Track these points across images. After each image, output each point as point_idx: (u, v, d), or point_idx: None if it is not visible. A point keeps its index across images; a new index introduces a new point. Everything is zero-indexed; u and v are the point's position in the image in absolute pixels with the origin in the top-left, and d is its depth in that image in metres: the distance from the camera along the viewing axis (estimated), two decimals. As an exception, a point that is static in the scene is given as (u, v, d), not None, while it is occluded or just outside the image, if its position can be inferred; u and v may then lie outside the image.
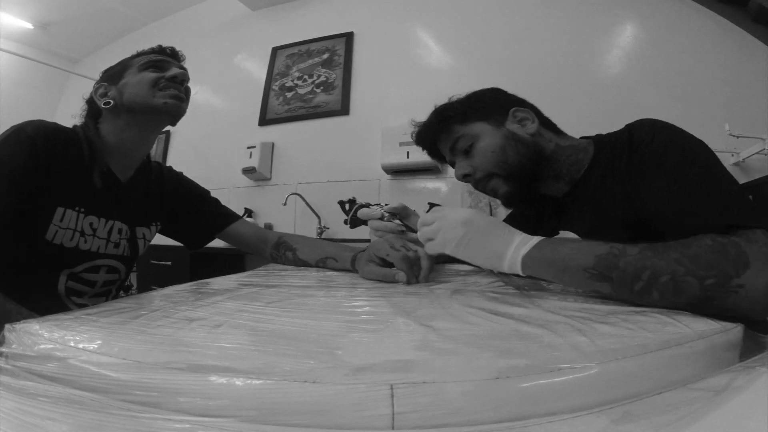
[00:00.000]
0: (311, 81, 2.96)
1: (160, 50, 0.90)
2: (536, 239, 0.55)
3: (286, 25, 3.20)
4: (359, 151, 2.68)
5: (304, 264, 0.96)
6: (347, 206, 1.01)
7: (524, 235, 0.57)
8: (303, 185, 2.79)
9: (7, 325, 0.38)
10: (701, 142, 0.62)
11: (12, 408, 0.26)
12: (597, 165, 0.73)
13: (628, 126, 0.70)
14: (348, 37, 2.93)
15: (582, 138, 0.81)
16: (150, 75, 0.85)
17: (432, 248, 0.63)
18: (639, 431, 0.24)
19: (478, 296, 0.54)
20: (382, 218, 0.94)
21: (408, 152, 2.38)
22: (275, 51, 3.16)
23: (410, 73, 2.69)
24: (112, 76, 0.86)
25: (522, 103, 0.80)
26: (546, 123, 0.80)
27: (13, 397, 0.28)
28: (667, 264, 0.47)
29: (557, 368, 0.27)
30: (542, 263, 0.54)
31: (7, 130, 0.74)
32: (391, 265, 0.71)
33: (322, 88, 2.91)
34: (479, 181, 0.79)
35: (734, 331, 0.38)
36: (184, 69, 0.90)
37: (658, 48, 2.20)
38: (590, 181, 0.73)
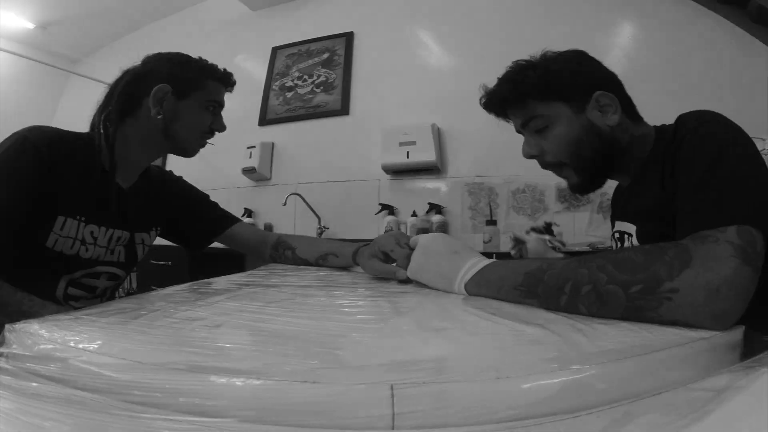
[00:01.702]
0: (311, 81, 2.96)
1: (226, 78, 0.89)
2: (484, 263, 0.55)
3: (286, 25, 3.20)
4: (359, 151, 2.68)
5: (303, 262, 0.96)
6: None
7: (477, 259, 0.57)
8: (303, 185, 2.79)
9: (7, 326, 0.38)
10: (744, 137, 0.58)
11: (12, 408, 0.26)
12: (655, 158, 0.69)
13: (678, 117, 0.66)
14: (348, 37, 2.93)
15: (650, 126, 0.76)
16: (206, 120, 0.86)
17: (409, 275, 0.65)
18: (639, 431, 0.24)
19: (477, 298, 0.54)
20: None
21: (408, 152, 2.38)
22: (275, 51, 3.16)
23: (410, 73, 2.69)
24: (180, 86, 0.82)
25: (606, 81, 0.73)
26: (627, 107, 0.73)
27: (14, 397, 0.28)
28: (589, 272, 0.43)
29: (557, 368, 0.27)
30: (482, 286, 0.54)
31: (10, 137, 0.73)
32: (394, 261, 0.71)
33: (322, 88, 2.91)
34: (547, 165, 0.76)
35: (735, 331, 0.38)
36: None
37: (658, 48, 2.20)
38: (648, 175, 0.69)
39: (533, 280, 0.48)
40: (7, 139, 0.73)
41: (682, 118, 0.65)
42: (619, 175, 0.77)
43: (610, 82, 0.73)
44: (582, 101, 0.70)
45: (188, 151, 0.88)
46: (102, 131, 0.81)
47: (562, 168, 0.74)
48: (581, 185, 0.75)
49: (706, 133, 0.58)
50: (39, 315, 0.44)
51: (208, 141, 0.91)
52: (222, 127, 0.91)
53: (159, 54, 0.86)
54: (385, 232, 2.41)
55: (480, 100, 0.79)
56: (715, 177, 0.52)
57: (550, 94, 0.71)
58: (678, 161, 0.58)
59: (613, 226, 0.85)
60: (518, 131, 0.78)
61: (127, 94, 0.81)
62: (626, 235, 0.75)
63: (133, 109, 0.81)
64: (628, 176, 0.76)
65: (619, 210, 0.82)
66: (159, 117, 0.81)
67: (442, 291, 0.58)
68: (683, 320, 0.38)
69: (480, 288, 0.54)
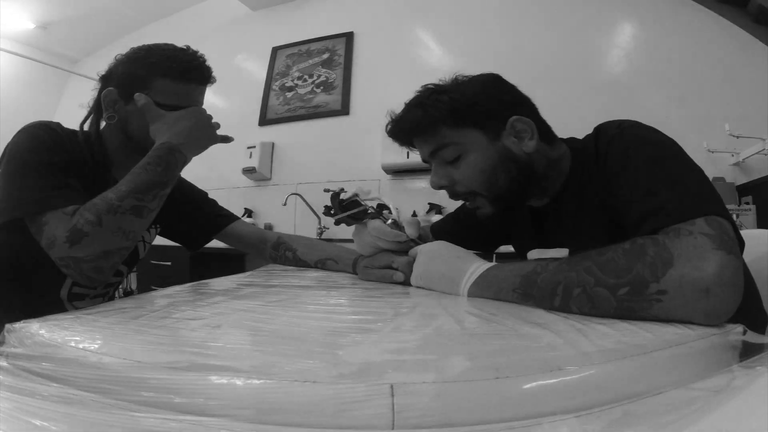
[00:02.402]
0: (311, 81, 2.96)
1: (182, 72, 0.77)
2: (487, 266, 0.55)
3: (286, 25, 3.20)
4: (359, 151, 2.68)
5: (303, 264, 0.96)
6: (343, 198, 0.81)
7: (480, 262, 0.57)
8: (303, 185, 2.79)
9: (7, 326, 0.38)
10: (669, 139, 0.58)
11: (12, 408, 0.26)
12: (574, 174, 0.68)
13: (595, 128, 0.66)
14: (348, 37, 2.94)
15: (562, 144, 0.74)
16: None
17: (413, 282, 0.66)
18: (639, 431, 0.24)
19: (477, 298, 0.54)
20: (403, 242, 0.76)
21: (408, 152, 2.38)
22: (275, 51, 3.16)
23: (410, 73, 2.69)
24: (126, 89, 0.76)
25: (522, 105, 0.70)
26: (543, 131, 0.70)
27: (13, 397, 0.28)
28: (578, 275, 0.43)
29: (557, 368, 0.27)
30: (483, 288, 0.54)
31: (18, 134, 0.72)
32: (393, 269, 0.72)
33: (322, 88, 2.92)
34: (458, 195, 0.71)
35: (734, 331, 0.38)
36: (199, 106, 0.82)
37: (658, 48, 2.20)
38: (570, 192, 0.68)
39: (528, 283, 0.48)
40: (14, 137, 0.73)
41: (602, 128, 0.64)
42: (536, 200, 0.74)
43: (526, 107, 0.70)
44: (497, 128, 0.67)
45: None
46: (90, 132, 0.80)
47: (475, 197, 0.70)
48: (492, 214, 0.71)
49: (634, 136, 0.58)
50: None
51: None
52: None
53: (128, 51, 0.80)
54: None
55: (386, 127, 0.76)
56: (662, 175, 0.51)
57: (464, 120, 0.66)
58: (611, 169, 0.58)
59: (523, 254, 0.79)
60: (425, 160, 0.74)
61: (98, 97, 0.80)
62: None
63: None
64: (546, 197, 0.72)
65: (531, 237, 0.77)
66: (113, 120, 0.77)
67: (445, 293, 0.58)
68: (677, 319, 0.38)
69: (481, 290, 0.54)
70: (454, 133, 0.67)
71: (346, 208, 0.79)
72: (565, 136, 0.77)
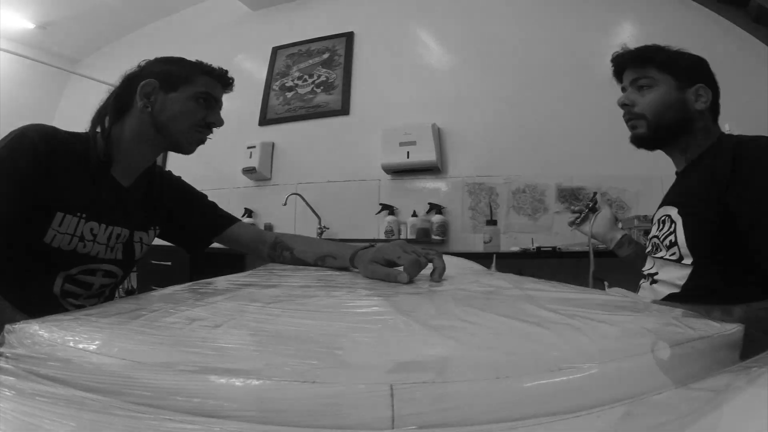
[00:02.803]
0: (311, 81, 2.96)
1: (220, 75, 0.90)
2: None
3: (286, 25, 3.20)
4: (359, 151, 2.68)
5: (302, 263, 0.96)
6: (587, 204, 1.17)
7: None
8: (303, 185, 2.79)
9: (7, 326, 0.38)
10: None
11: (12, 408, 0.26)
12: (709, 155, 0.85)
13: (738, 136, 0.84)
14: (348, 37, 2.94)
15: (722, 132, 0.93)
16: (197, 113, 0.86)
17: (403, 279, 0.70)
18: (639, 431, 0.24)
19: (478, 296, 0.54)
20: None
21: (408, 152, 2.38)
22: (275, 51, 3.16)
23: (410, 73, 2.69)
24: (169, 80, 0.84)
25: (711, 83, 0.91)
26: (714, 107, 0.91)
27: (13, 397, 0.28)
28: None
29: (557, 368, 0.27)
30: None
31: (9, 135, 0.73)
32: (396, 267, 0.71)
33: (322, 88, 2.92)
34: (631, 115, 0.92)
35: (734, 331, 0.38)
36: (221, 106, 0.93)
37: (658, 48, 2.20)
38: (699, 166, 0.86)
39: None
40: (5, 136, 0.73)
41: (742, 139, 0.81)
42: (677, 155, 0.93)
43: (713, 86, 0.91)
44: (687, 84, 0.88)
45: (182, 145, 0.88)
46: (99, 130, 0.83)
47: (639, 119, 0.91)
48: (646, 138, 0.91)
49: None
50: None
51: (207, 137, 0.91)
52: (219, 122, 0.90)
53: (157, 58, 0.89)
54: (385, 232, 2.41)
55: (612, 54, 0.98)
56: None
57: (669, 67, 0.89)
58: (744, 164, 0.74)
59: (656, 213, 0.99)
60: (623, 87, 0.96)
61: (121, 94, 0.84)
62: (666, 218, 0.88)
63: (128, 107, 0.84)
64: (683, 159, 0.92)
65: (666, 196, 0.96)
66: (147, 110, 0.83)
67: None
68: None
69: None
70: (656, 72, 0.90)
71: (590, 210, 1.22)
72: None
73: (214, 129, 0.91)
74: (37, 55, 3.44)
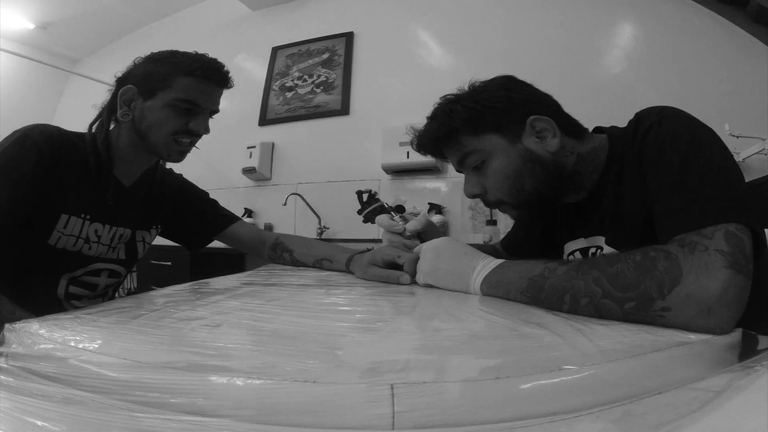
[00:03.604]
0: (311, 81, 2.96)
1: (206, 75, 0.80)
2: (494, 264, 0.56)
3: (286, 25, 3.20)
4: (359, 151, 2.68)
5: (302, 264, 0.96)
6: (364, 197, 0.94)
7: (487, 259, 0.58)
8: (303, 185, 2.79)
9: (7, 325, 0.38)
10: (709, 131, 0.56)
11: (12, 408, 0.26)
12: (612, 164, 0.66)
13: (636, 114, 0.64)
14: (348, 37, 2.93)
15: (597, 130, 0.73)
16: (175, 122, 0.79)
17: (418, 279, 0.66)
18: (639, 431, 0.24)
19: (478, 296, 0.54)
20: (402, 233, 0.84)
21: (408, 152, 2.38)
22: (275, 51, 3.16)
23: (410, 73, 2.69)
24: (147, 86, 0.79)
25: (540, 104, 0.68)
26: (567, 128, 0.68)
27: (13, 397, 0.28)
28: (585, 285, 0.44)
29: (557, 368, 0.27)
30: (493, 287, 0.54)
31: (11, 135, 0.73)
32: (396, 267, 0.71)
33: (322, 88, 2.92)
34: (490, 204, 0.71)
35: (734, 331, 0.38)
36: (216, 109, 0.85)
37: (658, 48, 2.20)
38: (608, 182, 0.66)
39: (536, 287, 0.48)
40: (8, 137, 0.73)
41: (641, 115, 0.62)
42: (573, 196, 0.71)
43: (546, 105, 0.69)
44: (516, 129, 0.66)
45: (162, 154, 0.83)
46: (97, 132, 0.82)
47: (501, 205, 0.70)
48: (525, 217, 0.74)
49: (670, 128, 0.56)
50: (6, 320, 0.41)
51: (193, 146, 0.85)
52: (203, 129, 0.83)
53: (148, 54, 0.83)
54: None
55: (411, 142, 0.76)
56: (691, 173, 0.50)
57: (481, 126, 0.66)
58: (646, 159, 0.57)
59: (561, 248, 0.79)
60: (458, 170, 0.74)
61: (113, 98, 0.82)
62: (594, 249, 0.71)
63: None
64: (584, 191, 0.70)
65: (570, 230, 0.76)
66: (128, 118, 0.80)
67: (453, 291, 0.59)
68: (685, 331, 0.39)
69: (492, 289, 0.54)
70: (474, 140, 0.67)
71: (367, 204, 0.92)
72: None
73: (212, 131, 0.86)
74: (37, 55, 3.44)
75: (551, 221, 0.82)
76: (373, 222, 0.90)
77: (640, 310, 0.40)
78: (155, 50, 0.85)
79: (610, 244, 0.66)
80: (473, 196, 0.71)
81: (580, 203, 0.72)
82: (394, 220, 0.85)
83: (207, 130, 0.84)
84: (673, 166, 0.52)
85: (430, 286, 0.62)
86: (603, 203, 0.67)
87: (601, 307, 0.42)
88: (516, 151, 0.65)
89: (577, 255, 0.74)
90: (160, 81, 0.78)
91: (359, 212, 0.93)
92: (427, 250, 0.64)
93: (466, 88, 0.71)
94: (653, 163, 0.55)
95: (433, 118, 0.71)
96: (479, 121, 0.66)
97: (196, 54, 0.82)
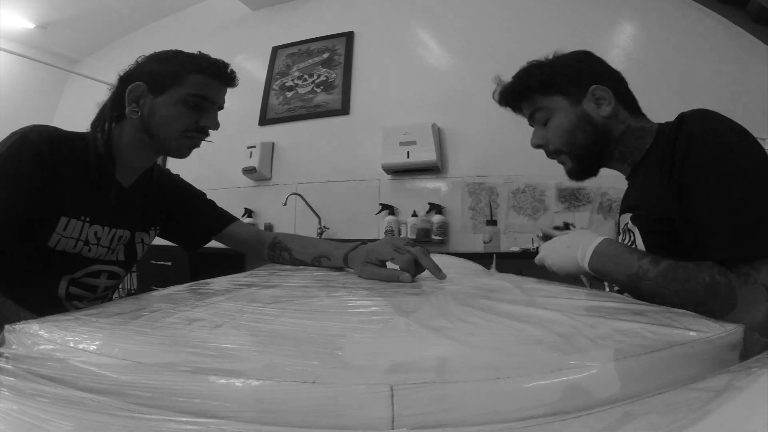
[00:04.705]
0: (311, 81, 2.96)
1: (215, 73, 0.82)
2: (597, 241, 0.68)
3: (286, 24, 3.20)
4: (359, 151, 2.68)
5: (300, 263, 0.96)
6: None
7: (589, 238, 0.69)
8: (303, 185, 2.79)
9: (7, 326, 0.38)
10: (753, 147, 0.63)
11: (12, 408, 0.26)
12: (653, 151, 0.75)
13: (679, 115, 0.69)
14: (348, 37, 2.93)
15: (655, 122, 0.80)
16: (187, 117, 0.80)
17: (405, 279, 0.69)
18: (639, 431, 0.24)
19: (478, 296, 0.54)
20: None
21: (408, 152, 2.38)
22: (275, 51, 3.16)
23: (410, 73, 2.69)
24: (157, 83, 0.79)
25: (605, 76, 0.79)
26: (625, 100, 0.79)
27: (13, 397, 0.28)
28: (669, 294, 0.56)
29: (557, 368, 0.27)
30: (598, 273, 0.67)
31: (10, 137, 0.73)
32: (393, 266, 0.71)
33: (322, 87, 2.92)
34: (550, 153, 0.83)
35: (735, 331, 0.38)
36: (222, 106, 0.86)
37: (658, 48, 2.20)
38: (644, 166, 0.76)
39: (634, 285, 0.62)
40: (6, 138, 0.73)
41: (685, 117, 0.68)
42: (618, 165, 0.82)
43: (610, 78, 0.80)
44: (579, 94, 0.78)
45: (171, 150, 0.83)
46: (99, 132, 0.81)
47: (560, 155, 0.82)
48: (576, 170, 0.82)
49: (717, 144, 0.62)
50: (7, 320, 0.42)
51: (204, 140, 0.86)
52: (213, 125, 0.84)
53: (152, 54, 0.84)
54: (385, 232, 2.41)
55: (493, 94, 0.88)
56: (741, 194, 0.57)
57: (551, 88, 0.79)
58: (687, 166, 0.62)
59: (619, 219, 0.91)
60: (530, 124, 0.86)
61: (117, 96, 0.81)
62: (625, 227, 0.80)
63: (124, 110, 0.81)
64: (627, 165, 0.80)
65: (623, 203, 0.88)
66: (136, 115, 0.79)
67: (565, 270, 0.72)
68: None
69: (598, 267, 0.67)
70: (544, 99, 0.80)
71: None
72: None
73: (211, 132, 0.86)
74: (37, 55, 3.44)
75: None
76: None
77: None
78: (155, 50, 0.85)
79: (633, 221, 0.76)
80: (537, 146, 0.85)
81: (627, 179, 0.83)
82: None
83: (217, 126, 0.86)
84: (716, 181, 0.60)
85: (429, 286, 0.62)
86: (636, 182, 0.79)
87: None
88: (575, 112, 0.78)
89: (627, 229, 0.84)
90: (172, 78, 0.79)
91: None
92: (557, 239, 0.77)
93: (551, 57, 0.84)
94: (698, 180, 0.61)
95: (515, 77, 0.85)
96: (550, 84, 0.79)
97: (201, 53, 0.83)
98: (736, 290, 0.53)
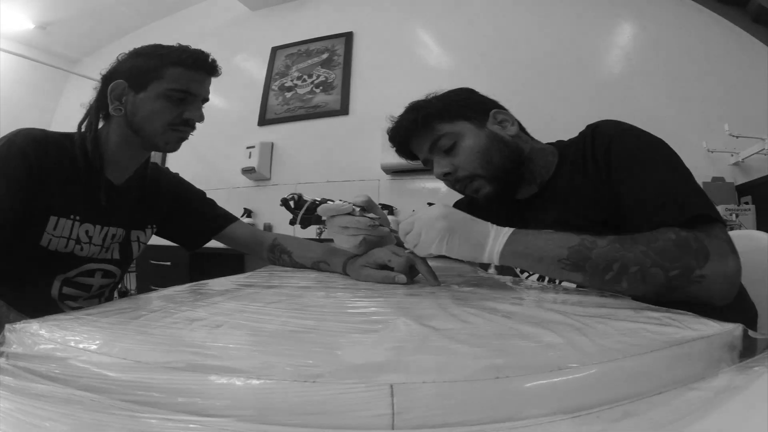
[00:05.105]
0: (311, 81, 2.96)
1: (196, 64, 0.81)
2: (509, 230, 0.59)
3: (285, 25, 3.20)
4: (359, 151, 2.68)
5: (301, 266, 0.96)
6: (292, 204, 0.81)
7: (495, 226, 0.60)
8: (303, 185, 2.79)
9: (7, 326, 0.38)
10: (663, 140, 0.68)
11: (12, 408, 0.26)
12: (564, 166, 0.77)
13: (589, 126, 0.74)
14: (347, 37, 2.94)
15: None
16: (170, 111, 0.80)
17: (420, 251, 0.63)
18: (639, 431, 0.24)
19: (478, 296, 0.54)
20: (351, 213, 0.77)
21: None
22: (275, 51, 3.16)
23: (410, 73, 2.69)
24: (137, 79, 0.79)
25: (495, 104, 0.82)
26: (519, 125, 0.82)
27: (13, 397, 0.28)
28: (635, 256, 0.52)
29: (557, 368, 0.27)
30: (519, 254, 0.58)
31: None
32: (389, 269, 0.71)
33: (321, 88, 2.92)
34: (460, 180, 0.79)
35: (734, 331, 0.38)
36: (206, 98, 0.85)
37: (658, 48, 2.21)
38: (559, 182, 0.76)
39: (581, 256, 0.54)
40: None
41: (597, 125, 0.73)
42: (526, 186, 0.81)
43: (499, 106, 0.83)
44: (482, 118, 0.78)
45: (159, 145, 0.82)
46: (86, 131, 0.81)
47: (474, 180, 0.78)
48: (494, 195, 0.78)
49: (636, 137, 0.68)
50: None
51: (185, 135, 0.85)
52: (198, 117, 0.83)
53: (131, 50, 0.83)
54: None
55: (387, 131, 0.86)
56: (672, 173, 0.62)
57: (453, 114, 0.78)
58: (619, 168, 0.65)
59: None
60: (424, 160, 0.83)
61: (101, 95, 0.81)
62: None
63: (108, 109, 0.81)
64: (534, 185, 0.80)
65: (526, 222, 0.77)
66: (120, 113, 0.79)
67: (464, 260, 0.63)
68: (704, 298, 0.52)
69: (516, 257, 0.58)
70: (447, 125, 0.78)
71: (297, 208, 0.80)
72: (564, 137, 0.82)
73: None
74: (37, 55, 3.44)
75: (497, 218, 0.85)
76: (311, 224, 0.80)
77: (682, 276, 0.51)
78: None
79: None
80: (444, 175, 0.80)
81: (530, 199, 0.81)
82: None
83: (202, 118, 0.84)
84: (655, 169, 0.63)
85: (430, 286, 0.62)
86: (550, 200, 0.77)
87: (648, 275, 0.52)
88: (483, 133, 0.77)
89: None
90: (151, 72, 0.78)
91: (293, 222, 0.81)
92: (420, 219, 0.62)
93: (432, 96, 0.84)
94: (629, 167, 0.65)
95: (410, 111, 0.82)
96: (448, 110, 0.78)
97: (181, 45, 0.82)
98: (704, 243, 0.52)
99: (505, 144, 0.77)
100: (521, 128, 0.81)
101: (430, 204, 2.51)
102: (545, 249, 0.56)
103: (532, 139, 0.83)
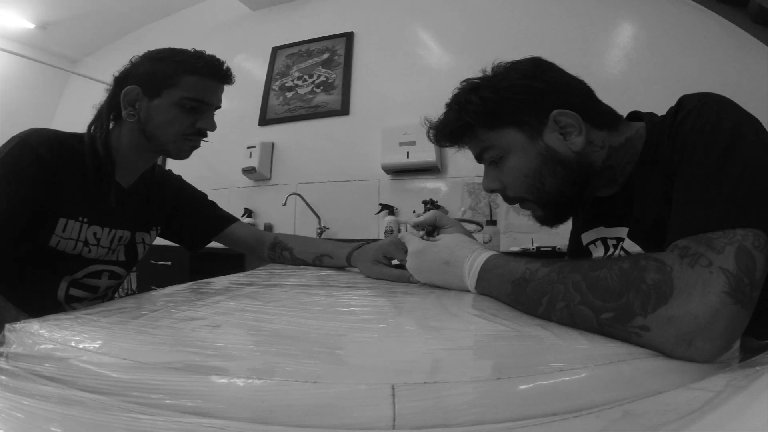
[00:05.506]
0: (311, 81, 2.96)
1: (211, 72, 0.80)
2: (480, 261, 0.53)
3: (286, 25, 3.20)
4: (359, 151, 2.68)
5: (302, 263, 0.96)
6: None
7: (474, 254, 0.55)
8: (303, 185, 2.79)
9: (7, 326, 0.38)
10: (756, 125, 0.49)
11: (12, 408, 0.26)
12: (647, 154, 0.59)
13: (679, 99, 0.58)
14: (348, 37, 2.93)
15: (634, 116, 0.66)
16: (183, 120, 0.79)
17: (420, 279, 0.63)
18: (639, 431, 0.24)
19: (479, 297, 0.54)
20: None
21: (408, 152, 2.38)
22: (275, 51, 3.16)
23: (410, 73, 2.69)
24: (151, 85, 0.78)
25: (569, 95, 0.62)
26: (597, 119, 0.62)
27: (13, 397, 0.28)
28: (564, 289, 0.40)
29: (558, 369, 0.27)
30: (488, 291, 0.52)
31: (10, 141, 0.73)
32: (400, 267, 0.71)
33: (322, 88, 2.91)
34: (510, 200, 0.66)
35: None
36: (219, 105, 0.85)
37: (658, 48, 2.20)
38: (641, 175, 0.59)
39: (519, 290, 0.46)
40: (7, 143, 0.73)
41: (684, 99, 0.56)
42: (605, 190, 0.66)
43: (573, 94, 0.62)
44: (538, 124, 0.60)
45: (171, 152, 0.83)
46: (97, 133, 0.81)
47: (524, 202, 0.65)
48: (549, 218, 0.65)
49: (710, 117, 0.49)
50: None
51: (203, 140, 0.85)
52: (210, 126, 0.83)
53: (146, 53, 0.82)
54: (385, 232, 2.41)
55: (427, 133, 0.70)
56: (721, 170, 0.43)
57: (498, 120, 0.61)
58: (677, 148, 0.49)
59: (577, 237, 0.75)
60: (478, 161, 0.68)
61: (113, 97, 0.81)
62: (615, 241, 0.65)
63: (120, 112, 0.80)
64: (617, 184, 0.64)
65: (591, 219, 0.71)
66: (133, 119, 0.79)
67: (449, 288, 0.58)
68: (658, 352, 0.34)
69: (486, 292, 0.53)
70: (491, 134, 0.62)
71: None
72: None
73: (210, 132, 0.85)
74: (37, 55, 3.43)
75: (576, 217, 0.78)
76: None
77: (616, 322, 0.35)
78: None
79: (631, 238, 0.61)
80: (491, 191, 0.66)
81: (611, 197, 0.66)
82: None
83: (214, 127, 0.84)
84: (702, 159, 0.45)
85: (430, 286, 0.62)
86: (633, 196, 0.60)
87: (576, 313, 0.38)
88: (536, 148, 0.60)
89: (598, 245, 0.69)
90: (165, 80, 0.78)
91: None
92: (409, 251, 0.62)
93: (490, 71, 0.65)
94: (682, 153, 0.48)
95: (449, 109, 0.66)
96: (496, 115, 0.61)
97: (196, 51, 0.81)
98: (672, 276, 0.35)
99: (562, 165, 0.59)
100: (596, 124, 0.61)
101: (424, 202, 2.42)
102: (499, 286, 0.49)
103: (613, 131, 0.62)
